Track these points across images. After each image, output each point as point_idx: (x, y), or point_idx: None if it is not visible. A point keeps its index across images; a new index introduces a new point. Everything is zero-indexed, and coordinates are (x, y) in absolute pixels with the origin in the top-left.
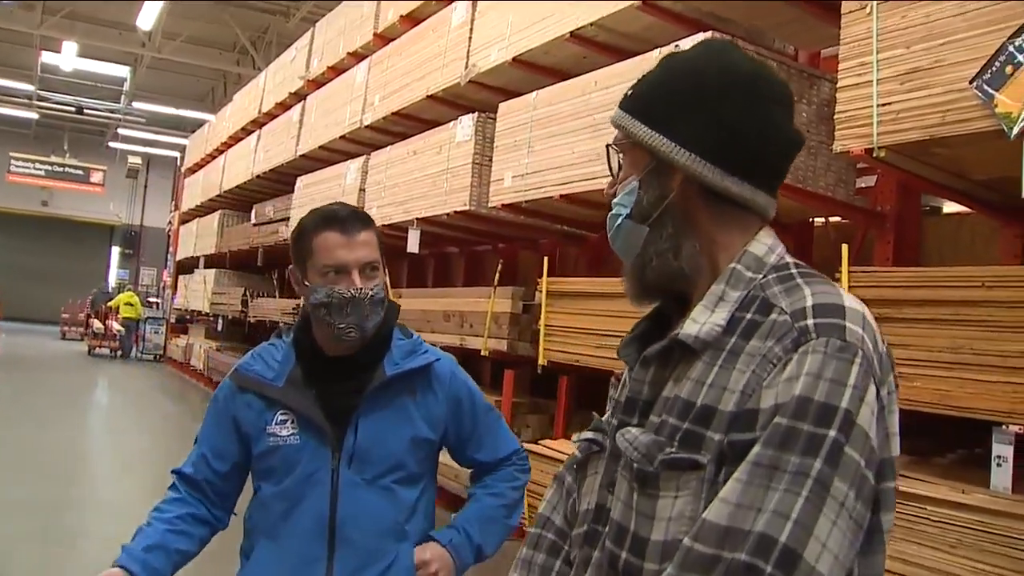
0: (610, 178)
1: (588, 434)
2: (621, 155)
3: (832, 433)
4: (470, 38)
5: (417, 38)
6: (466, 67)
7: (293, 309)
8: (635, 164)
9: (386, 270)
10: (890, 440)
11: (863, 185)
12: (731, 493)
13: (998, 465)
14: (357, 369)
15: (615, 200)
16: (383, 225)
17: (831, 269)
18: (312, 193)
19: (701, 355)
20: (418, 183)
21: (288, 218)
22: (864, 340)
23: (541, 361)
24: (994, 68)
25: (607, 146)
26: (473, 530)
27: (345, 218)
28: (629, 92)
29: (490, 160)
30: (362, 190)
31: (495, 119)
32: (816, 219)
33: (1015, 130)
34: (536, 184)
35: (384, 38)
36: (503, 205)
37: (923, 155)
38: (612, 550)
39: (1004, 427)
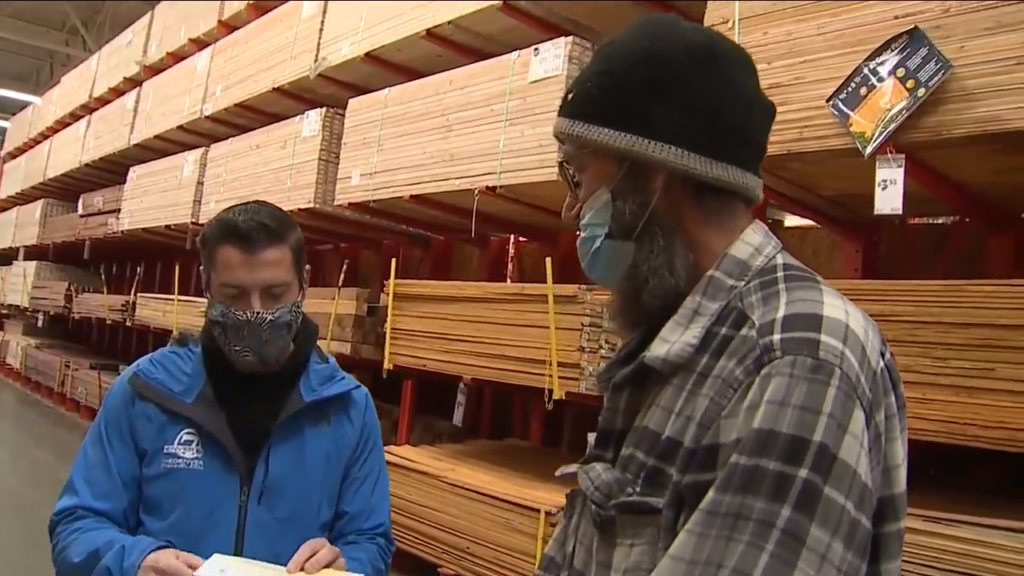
0: (568, 199)
1: (572, 467)
2: (573, 171)
3: (803, 473)
4: (321, 31)
5: (265, 28)
6: (316, 60)
7: (122, 306)
8: (601, 174)
9: (305, 282)
10: (891, 474)
11: None
12: (683, 548)
13: None
14: (272, 391)
15: (584, 221)
16: None
17: None
18: (146, 184)
19: (672, 379)
20: (260, 178)
21: (119, 209)
22: (845, 356)
23: (387, 365)
24: (850, 88)
25: (559, 163)
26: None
27: (248, 233)
28: (569, 95)
29: (337, 157)
30: (200, 183)
31: (344, 115)
32: None
33: (869, 149)
34: (385, 183)
35: (229, 26)
36: (350, 204)
37: (778, 169)
38: None
39: None
